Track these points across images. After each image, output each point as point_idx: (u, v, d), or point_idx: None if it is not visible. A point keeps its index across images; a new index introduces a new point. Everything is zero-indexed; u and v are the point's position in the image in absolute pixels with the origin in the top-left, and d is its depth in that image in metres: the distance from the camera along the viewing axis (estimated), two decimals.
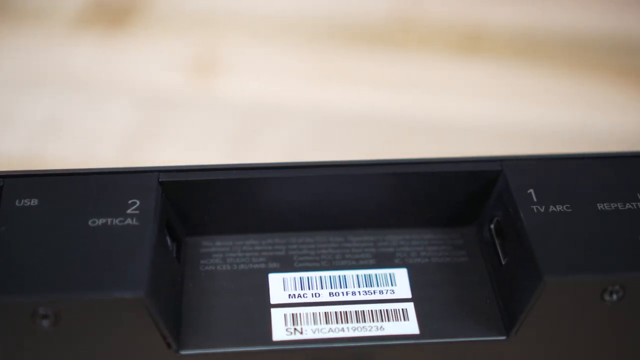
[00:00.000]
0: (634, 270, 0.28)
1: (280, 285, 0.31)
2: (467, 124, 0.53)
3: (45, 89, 0.55)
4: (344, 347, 0.29)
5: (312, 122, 0.53)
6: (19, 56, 0.58)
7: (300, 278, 0.31)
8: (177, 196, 0.31)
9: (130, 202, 0.29)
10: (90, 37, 0.59)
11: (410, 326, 0.29)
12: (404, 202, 0.32)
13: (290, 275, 0.31)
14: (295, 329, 0.29)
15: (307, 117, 0.53)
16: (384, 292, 0.30)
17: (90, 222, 0.28)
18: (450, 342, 0.29)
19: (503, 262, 0.31)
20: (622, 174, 0.31)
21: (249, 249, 0.32)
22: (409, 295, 0.30)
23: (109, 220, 0.28)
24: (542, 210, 0.29)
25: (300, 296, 0.30)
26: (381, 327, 0.29)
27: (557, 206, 0.30)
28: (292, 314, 0.30)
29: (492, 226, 0.32)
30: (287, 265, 0.31)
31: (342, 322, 0.29)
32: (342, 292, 0.30)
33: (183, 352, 0.28)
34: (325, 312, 0.30)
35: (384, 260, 0.32)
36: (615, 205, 0.30)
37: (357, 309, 0.30)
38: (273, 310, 0.30)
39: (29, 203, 0.29)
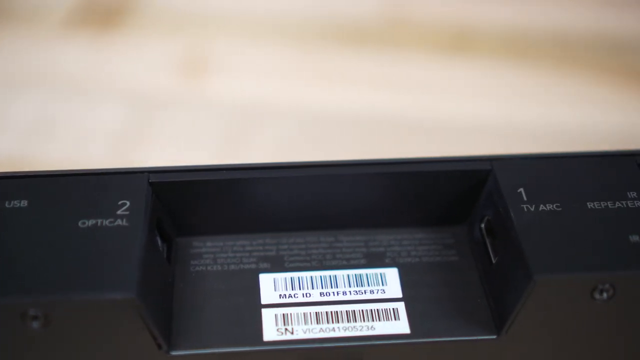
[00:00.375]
0: (624, 268, 0.28)
1: (271, 286, 0.31)
2: (457, 124, 0.53)
3: (36, 90, 0.55)
4: (334, 347, 0.29)
5: (302, 122, 0.53)
6: (8, 57, 0.58)
7: (291, 278, 0.31)
8: (168, 197, 0.31)
9: (120, 202, 0.29)
10: (81, 37, 0.59)
11: (401, 326, 0.29)
12: (394, 201, 0.32)
13: (281, 276, 0.31)
14: (286, 329, 0.29)
15: (297, 117, 0.53)
16: (375, 291, 0.30)
17: (80, 223, 0.28)
18: (441, 342, 0.29)
19: (493, 261, 0.31)
20: (611, 173, 0.31)
21: (239, 250, 0.32)
22: (400, 295, 0.30)
23: (99, 221, 0.28)
24: (532, 209, 0.29)
25: (291, 296, 0.30)
26: (372, 326, 0.29)
27: (547, 205, 0.30)
28: (283, 314, 0.30)
29: (482, 225, 0.32)
30: (277, 265, 0.31)
31: (332, 322, 0.29)
32: (333, 292, 0.30)
33: (174, 353, 0.28)
34: (316, 312, 0.30)
35: (375, 260, 0.32)
36: (605, 204, 0.30)
37: (347, 309, 0.30)
38: (264, 311, 0.30)
39: (18, 204, 0.29)
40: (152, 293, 0.28)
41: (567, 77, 0.56)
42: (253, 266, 0.31)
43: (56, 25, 0.60)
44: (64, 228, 0.28)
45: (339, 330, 0.29)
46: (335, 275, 0.31)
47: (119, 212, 0.29)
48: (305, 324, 0.29)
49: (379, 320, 0.30)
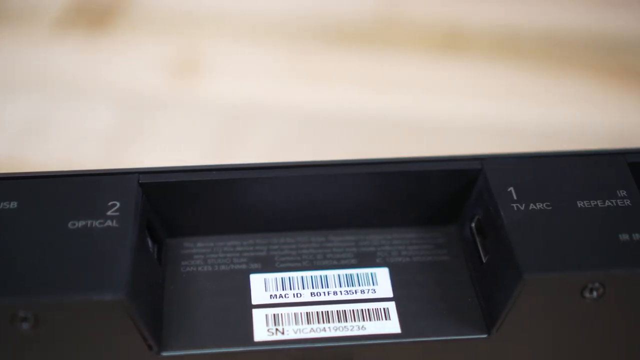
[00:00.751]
0: (614, 267, 0.28)
1: (262, 286, 0.31)
2: (447, 123, 0.53)
3: (26, 91, 0.55)
4: (325, 347, 0.29)
5: (294, 122, 0.53)
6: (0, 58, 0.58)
7: (282, 278, 0.31)
8: (158, 197, 0.31)
9: (110, 203, 0.29)
10: (72, 38, 0.59)
11: (392, 325, 0.29)
12: (384, 201, 0.32)
13: (271, 276, 0.31)
14: (276, 329, 0.29)
15: (288, 118, 0.53)
16: (366, 291, 0.31)
17: (70, 225, 0.28)
18: (432, 341, 0.29)
19: (484, 261, 0.31)
20: (601, 172, 0.31)
21: (230, 250, 0.32)
22: (391, 295, 0.30)
23: (89, 222, 0.28)
24: (522, 208, 0.29)
25: (282, 296, 0.30)
26: (363, 326, 0.29)
27: (537, 204, 0.30)
28: (274, 315, 0.30)
29: (472, 225, 0.32)
30: (268, 265, 0.31)
31: (323, 322, 0.29)
32: (324, 292, 0.30)
33: (164, 354, 0.28)
34: (306, 312, 0.30)
35: (366, 260, 0.32)
36: (595, 202, 0.30)
37: (338, 309, 0.30)
38: (254, 311, 0.30)
39: (8, 206, 0.29)
40: (143, 294, 0.28)
41: (558, 76, 0.57)
42: (244, 266, 0.31)
43: (48, 26, 0.60)
44: (53, 229, 0.28)
45: (330, 330, 0.29)
46: (326, 275, 0.31)
47: (108, 213, 0.29)
48: (296, 324, 0.29)
49: (370, 320, 0.30)
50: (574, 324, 0.29)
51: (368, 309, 0.30)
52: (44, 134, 0.52)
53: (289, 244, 0.32)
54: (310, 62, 0.58)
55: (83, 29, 0.60)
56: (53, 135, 0.52)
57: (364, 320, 0.30)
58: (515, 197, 0.30)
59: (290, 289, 0.31)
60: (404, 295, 0.30)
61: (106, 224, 0.28)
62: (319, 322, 0.29)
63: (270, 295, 0.30)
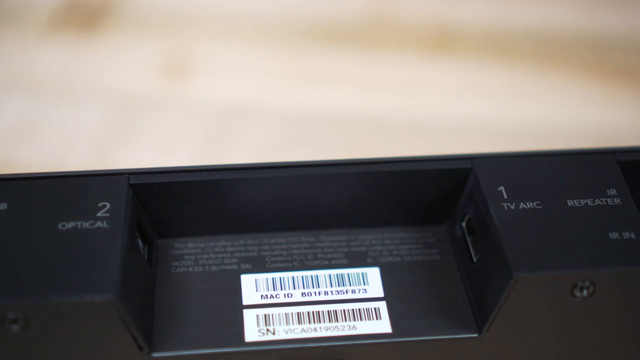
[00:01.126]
0: (604, 265, 0.28)
1: (253, 286, 0.31)
2: (438, 123, 0.53)
3: (16, 92, 0.54)
4: (316, 347, 0.29)
5: (284, 122, 0.53)
6: None
7: (273, 279, 0.31)
8: (148, 198, 0.31)
9: (100, 205, 0.29)
10: (62, 39, 0.59)
11: (383, 325, 0.29)
12: (375, 201, 0.32)
13: (262, 276, 0.31)
14: (267, 329, 0.29)
15: (279, 118, 0.53)
16: (357, 291, 0.31)
17: (60, 226, 0.28)
18: (423, 341, 0.29)
19: (475, 260, 0.31)
20: (591, 170, 0.31)
21: (221, 251, 0.32)
22: (381, 294, 0.30)
23: (79, 223, 0.28)
24: (513, 207, 0.29)
25: (273, 297, 0.30)
26: (354, 326, 0.29)
27: (527, 203, 0.30)
28: (265, 315, 0.30)
29: (463, 224, 0.32)
30: (259, 266, 0.31)
31: (314, 322, 0.29)
32: (315, 292, 0.30)
33: (155, 355, 0.28)
34: (297, 313, 0.30)
35: (357, 260, 0.32)
36: (585, 201, 0.30)
37: (329, 309, 0.30)
38: (245, 312, 0.30)
39: None
40: (133, 295, 0.28)
41: (548, 76, 0.57)
42: (234, 267, 0.31)
43: (37, 27, 0.60)
44: (43, 231, 0.28)
45: (321, 330, 0.29)
46: (317, 275, 0.31)
47: (99, 214, 0.29)
48: (287, 324, 0.29)
49: (361, 319, 0.30)
50: (564, 323, 0.29)
51: (359, 309, 0.30)
52: (34, 135, 0.52)
53: (279, 244, 0.32)
54: (299, 63, 0.58)
55: (73, 30, 0.60)
56: (43, 136, 0.52)
57: (355, 320, 0.30)
58: (505, 196, 0.30)
59: (281, 289, 0.31)
60: (394, 294, 0.30)
61: (96, 225, 0.28)
62: (309, 322, 0.29)
63: (261, 296, 0.30)
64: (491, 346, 0.30)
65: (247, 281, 0.31)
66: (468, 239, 0.31)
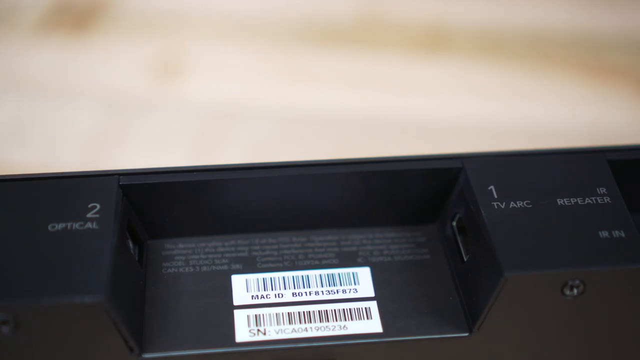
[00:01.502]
0: (594, 264, 0.28)
1: (243, 287, 0.31)
2: (427, 122, 0.53)
3: (6, 93, 0.54)
4: (307, 347, 0.29)
5: (275, 123, 0.53)
6: None
7: (263, 279, 0.31)
8: (138, 199, 0.31)
9: (90, 206, 0.29)
10: (53, 40, 0.59)
11: (374, 325, 0.29)
12: (366, 200, 0.32)
13: (253, 277, 0.31)
14: (258, 330, 0.29)
15: (270, 118, 0.53)
16: (347, 291, 0.31)
17: (50, 227, 0.28)
18: (414, 340, 0.29)
19: (465, 259, 0.31)
20: (581, 169, 0.31)
21: (211, 251, 0.32)
22: (372, 294, 0.30)
23: (69, 224, 0.28)
24: (503, 206, 0.30)
25: (264, 297, 0.30)
26: (344, 326, 0.29)
27: (517, 202, 0.30)
28: (256, 315, 0.30)
29: (454, 223, 0.32)
30: (250, 266, 0.31)
31: (305, 322, 0.29)
32: (306, 292, 0.30)
33: (146, 356, 0.28)
34: (288, 313, 0.30)
35: (347, 260, 0.32)
36: (575, 200, 0.30)
37: (320, 309, 0.30)
38: (236, 312, 0.30)
39: None
40: (123, 296, 0.28)
41: (538, 75, 0.57)
42: (225, 267, 0.31)
43: (28, 28, 0.60)
44: (33, 232, 0.28)
45: (312, 330, 0.29)
46: (308, 276, 0.31)
47: (89, 215, 0.29)
48: (277, 324, 0.29)
49: (352, 319, 0.30)
50: (554, 322, 0.29)
51: (350, 309, 0.30)
52: (24, 136, 0.51)
53: (270, 244, 0.32)
54: (291, 63, 0.58)
55: (64, 31, 0.59)
56: (33, 137, 0.51)
57: (345, 320, 0.30)
58: (495, 196, 0.30)
59: (272, 289, 0.30)
60: (385, 294, 0.30)
61: (86, 226, 0.28)
62: (300, 322, 0.29)
63: (252, 296, 0.30)
64: (482, 345, 0.30)
65: (238, 281, 0.31)
66: (458, 238, 0.32)
